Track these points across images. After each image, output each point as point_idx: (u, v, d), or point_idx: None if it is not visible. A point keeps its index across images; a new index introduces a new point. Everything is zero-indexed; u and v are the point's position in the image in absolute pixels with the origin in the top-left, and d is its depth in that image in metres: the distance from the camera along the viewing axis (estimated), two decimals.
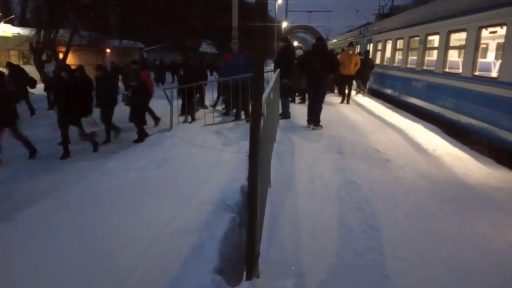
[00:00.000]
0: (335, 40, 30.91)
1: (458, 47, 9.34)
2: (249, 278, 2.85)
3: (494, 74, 7.68)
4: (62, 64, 13.22)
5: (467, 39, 8.11)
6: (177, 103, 10.26)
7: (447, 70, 9.10)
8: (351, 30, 26.23)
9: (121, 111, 9.81)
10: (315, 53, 8.70)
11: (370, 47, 17.32)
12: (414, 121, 9.33)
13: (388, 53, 14.54)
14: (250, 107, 5.56)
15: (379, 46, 15.79)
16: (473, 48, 7.80)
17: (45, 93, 13.44)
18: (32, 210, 4.66)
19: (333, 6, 54.98)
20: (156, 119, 10.76)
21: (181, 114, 10.64)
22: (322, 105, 8.70)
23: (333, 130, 8.44)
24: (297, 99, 13.26)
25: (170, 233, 3.94)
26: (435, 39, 10.28)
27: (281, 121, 9.12)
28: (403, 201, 4.59)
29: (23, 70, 12.79)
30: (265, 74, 4.41)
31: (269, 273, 3.03)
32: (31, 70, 15.28)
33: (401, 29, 12.77)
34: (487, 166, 5.91)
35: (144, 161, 6.49)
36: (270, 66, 24.88)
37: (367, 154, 6.58)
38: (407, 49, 12.05)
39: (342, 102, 13.06)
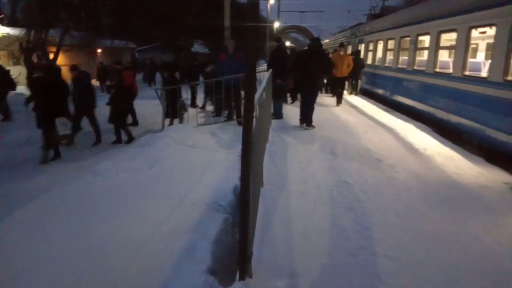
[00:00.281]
0: (327, 40, 31.00)
1: (449, 47, 9.42)
2: (242, 278, 2.85)
3: (484, 74, 7.75)
4: (37, 63, 12.89)
5: (457, 40, 8.18)
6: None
7: (437, 70, 9.17)
8: (343, 31, 26.34)
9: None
10: (311, 52, 8.71)
11: (362, 47, 17.41)
12: (405, 121, 9.39)
13: (379, 54, 14.61)
14: (242, 107, 5.56)
15: (371, 47, 15.87)
16: (463, 48, 7.87)
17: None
18: (23, 211, 4.62)
19: (325, 7, 55.11)
20: (134, 122, 10.74)
21: (166, 117, 10.59)
22: (314, 106, 8.73)
23: (326, 130, 8.47)
24: (289, 100, 13.20)
25: (162, 234, 3.92)
26: (425, 40, 10.36)
27: (273, 121, 9.13)
28: (395, 201, 4.63)
29: (5, 71, 12.55)
30: (257, 74, 4.41)
31: (262, 273, 3.04)
32: (22, 70, 15.13)
33: (392, 29, 12.84)
34: (478, 165, 5.97)
35: (136, 162, 6.45)
36: (262, 66, 24.90)
37: (359, 154, 6.62)
38: (398, 49, 12.12)
39: (338, 104, 12.61)
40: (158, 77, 25.10)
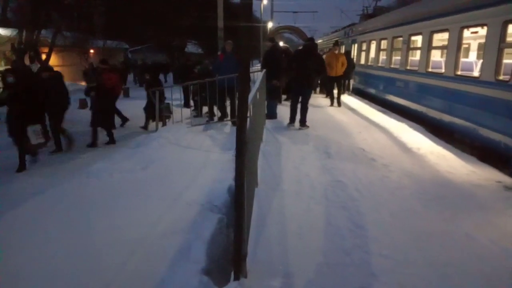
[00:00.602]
0: (320, 41, 31.09)
1: (441, 47, 9.49)
2: (236, 278, 2.85)
3: (476, 73, 7.82)
4: (12, 65, 12.37)
5: (449, 40, 8.24)
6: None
7: (430, 70, 9.24)
8: (336, 31, 26.44)
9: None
10: (306, 52, 8.74)
11: (355, 47, 17.48)
12: (399, 120, 9.45)
13: (372, 53, 14.67)
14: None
15: (364, 47, 15.93)
16: (456, 48, 7.93)
17: None
18: (17, 212, 4.59)
19: (318, 7, 55.23)
20: (124, 120, 10.70)
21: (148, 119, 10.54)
22: (308, 106, 8.76)
23: (320, 130, 8.50)
24: (283, 96, 13.05)
25: (157, 234, 3.91)
26: (418, 40, 10.43)
27: (267, 121, 9.14)
28: (388, 200, 4.65)
29: None
30: (251, 75, 4.42)
31: (257, 273, 3.04)
32: None
33: (385, 29, 12.91)
34: (470, 164, 6.02)
35: (130, 163, 6.43)
36: (256, 66, 24.89)
37: (353, 154, 6.65)
38: (391, 49, 12.19)
39: (331, 104, 12.47)
40: None
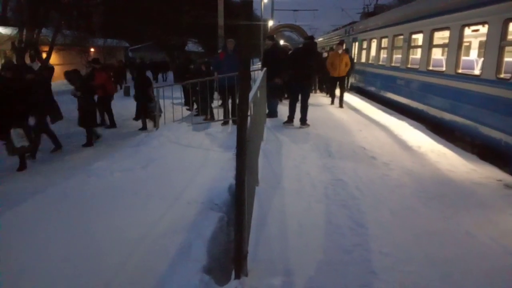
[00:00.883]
0: (320, 39, 31.04)
1: (442, 45, 9.47)
2: (237, 277, 2.86)
3: (476, 71, 7.81)
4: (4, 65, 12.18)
5: (450, 38, 8.23)
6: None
7: (431, 68, 9.23)
8: (336, 29, 26.40)
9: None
10: (306, 50, 8.72)
11: (356, 45, 17.45)
12: (399, 119, 9.44)
13: (373, 52, 14.65)
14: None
15: (364, 45, 15.91)
16: (456, 46, 7.92)
17: None
18: (17, 211, 4.60)
19: (319, 5, 55.18)
20: (112, 124, 10.72)
21: (135, 119, 10.54)
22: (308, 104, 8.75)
23: (320, 129, 8.49)
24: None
25: (157, 233, 3.92)
26: (419, 38, 10.41)
27: (268, 120, 9.14)
28: (389, 198, 4.65)
29: None
30: (252, 73, 4.41)
31: (258, 271, 3.04)
32: None
33: (386, 27, 12.89)
34: (471, 163, 6.02)
35: (131, 162, 6.44)
36: (256, 65, 24.86)
37: (353, 152, 6.64)
38: (392, 48, 12.17)
39: (332, 103, 12.40)
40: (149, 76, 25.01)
